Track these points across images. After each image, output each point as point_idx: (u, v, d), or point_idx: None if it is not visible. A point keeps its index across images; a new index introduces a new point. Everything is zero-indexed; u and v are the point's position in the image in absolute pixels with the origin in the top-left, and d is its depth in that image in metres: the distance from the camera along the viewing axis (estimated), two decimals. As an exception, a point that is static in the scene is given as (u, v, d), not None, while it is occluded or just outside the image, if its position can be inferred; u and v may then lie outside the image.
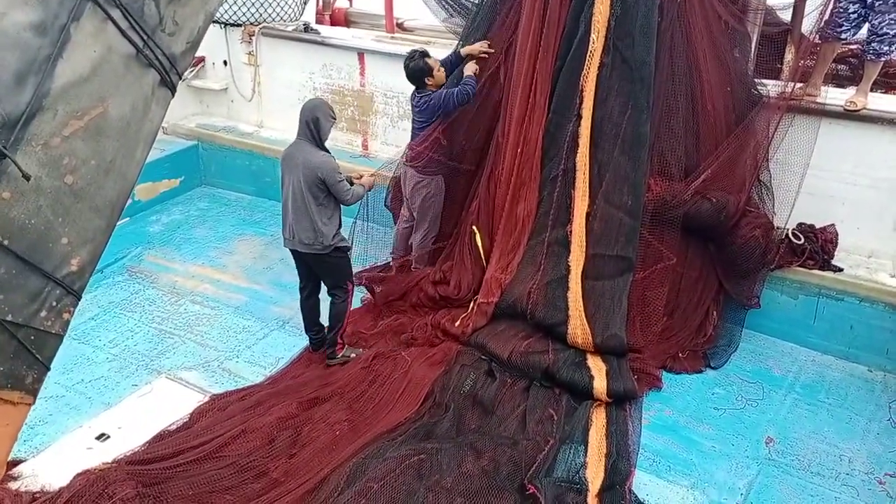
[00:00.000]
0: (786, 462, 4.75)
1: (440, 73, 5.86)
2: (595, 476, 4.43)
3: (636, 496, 4.38)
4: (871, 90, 5.82)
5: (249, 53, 8.33)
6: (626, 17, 5.38)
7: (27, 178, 2.01)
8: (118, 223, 2.37)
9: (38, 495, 4.13)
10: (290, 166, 5.12)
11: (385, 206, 6.60)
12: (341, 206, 5.24)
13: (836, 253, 5.77)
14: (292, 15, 8.40)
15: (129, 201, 2.48)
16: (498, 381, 5.17)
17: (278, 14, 8.26)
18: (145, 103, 2.31)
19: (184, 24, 2.37)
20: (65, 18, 2.05)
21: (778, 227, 5.79)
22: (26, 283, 2.11)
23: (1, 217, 2.01)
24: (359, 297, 6.26)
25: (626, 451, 4.65)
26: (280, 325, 6.05)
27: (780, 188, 5.81)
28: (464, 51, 6.06)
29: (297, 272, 5.51)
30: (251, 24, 8.22)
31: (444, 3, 7.06)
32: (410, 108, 6.13)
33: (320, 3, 9.08)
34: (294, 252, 5.34)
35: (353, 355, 5.48)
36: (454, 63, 6.06)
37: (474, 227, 6.06)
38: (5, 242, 2.03)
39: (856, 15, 5.55)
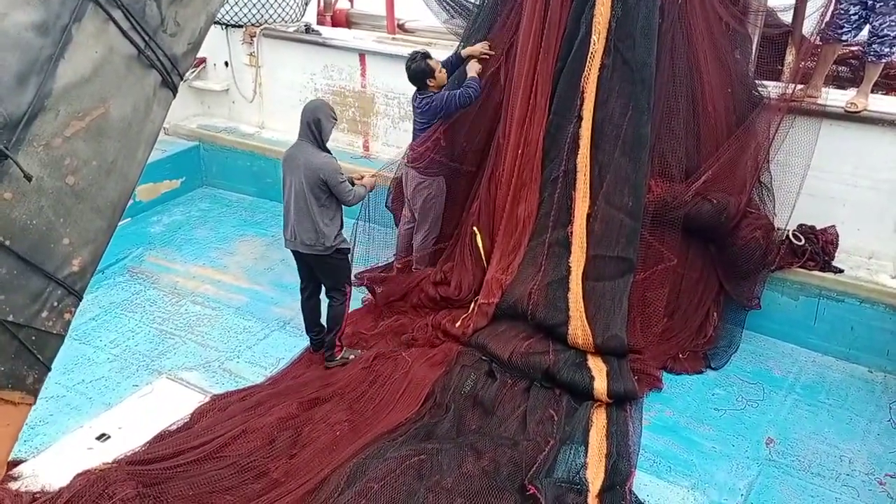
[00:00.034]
0: (786, 463, 4.75)
1: (442, 75, 5.87)
2: (595, 476, 4.43)
3: (636, 497, 4.38)
4: (872, 92, 5.82)
5: (251, 54, 8.34)
6: (626, 19, 5.38)
7: (29, 178, 2.01)
8: (119, 224, 2.38)
9: (38, 495, 4.13)
10: (292, 167, 5.13)
11: (386, 206, 6.60)
12: (343, 207, 5.25)
13: (836, 254, 5.77)
14: (293, 16, 8.41)
15: (131, 202, 2.49)
16: (498, 382, 5.18)
17: (279, 15, 8.26)
18: (147, 104, 2.32)
19: (185, 24, 2.38)
20: (66, 19, 2.05)
21: (778, 229, 5.79)
22: (28, 284, 2.11)
23: (2, 217, 2.01)
24: (360, 297, 6.27)
25: (627, 452, 4.65)
26: (281, 325, 6.06)
27: (780, 189, 5.81)
28: (464, 52, 6.06)
29: (298, 273, 5.51)
30: (252, 25, 8.22)
31: (445, 4, 7.06)
32: (412, 109, 6.13)
33: (321, 4, 9.08)
34: (295, 253, 5.34)
35: (351, 357, 5.48)
36: (455, 64, 6.06)
37: (475, 228, 6.06)
38: (7, 243, 2.03)
39: (856, 17, 5.55)
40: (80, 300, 2.29)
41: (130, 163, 2.31)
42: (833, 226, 5.82)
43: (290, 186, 5.15)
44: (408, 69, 5.84)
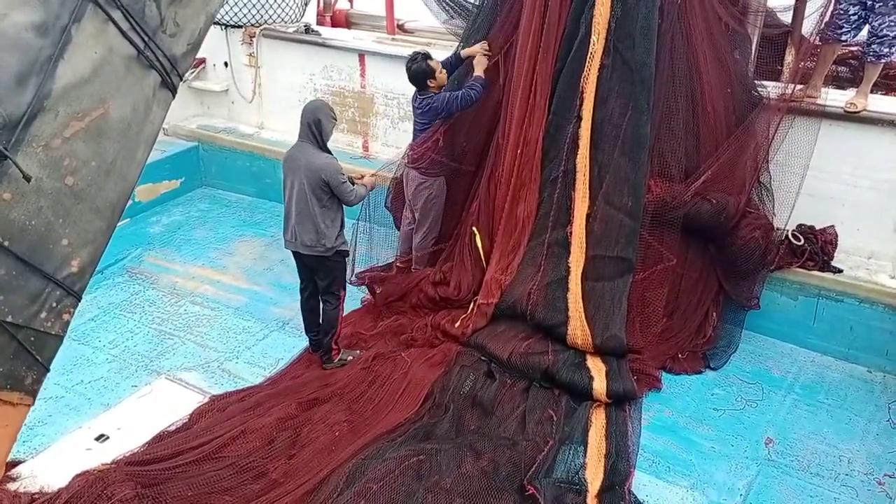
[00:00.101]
0: (785, 463, 4.76)
1: (442, 75, 5.86)
2: (594, 477, 4.43)
3: (635, 497, 4.38)
4: (872, 92, 5.82)
5: (250, 55, 8.34)
6: (626, 19, 5.38)
7: (28, 179, 2.01)
8: (118, 224, 2.38)
9: (37, 496, 4.13)
10: (293, 168, 5.12)
11: (385, 207, 6.60)
12: (343, 207, 5.24)
13: (835, 254, 5.78)
14: (293, 16, 8.41)
15: (130, 202, 2.49)
16: (497, 382, 5.18)
17: (279, 15, 8.26)
18: (146, 104, 2.32)
19: (185, 25, 2.37)
20: (66, 19, 2.05)
21: (778, 229, 5.80)
22: (26, 285, 2.11)
23: (1, 218, 2.01)
24: (359, 297, 6.27)
25: (626, 452, 4.65)
26: (280, 326, 6.06)
27: (780, 189, 5.81)
28: (464, 52, 6.06)
29: (297, 273, 5.51)
30: (252, 25, 8.22)
31: (444, 4, 7.06)
32: (411, 109, 6.12)
33: (321, 4, 9.08)
34: (295, 254, 5.34)
35: (349, 358, 5.48)
36: (454, 65, 6.06)
37: (474, 229, 6.06)
38: (6, 244, 2.03)
39: (856, 17, 5.56)
40: (79, 301, 2.29)
41: (130, 163, 2.31)
42: (832, 226, 5.83)
43: (291, 187, 5.14)
44: (408, 70, 5.84)
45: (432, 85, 5.84)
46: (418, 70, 5.79)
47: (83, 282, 2.28)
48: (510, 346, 5.38)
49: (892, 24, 5.45)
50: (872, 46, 5.60)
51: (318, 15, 9.04)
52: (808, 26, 5.99)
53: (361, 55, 7.74)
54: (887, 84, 6.48)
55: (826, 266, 5.70)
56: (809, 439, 4.95)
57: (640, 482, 4.54)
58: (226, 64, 8.59)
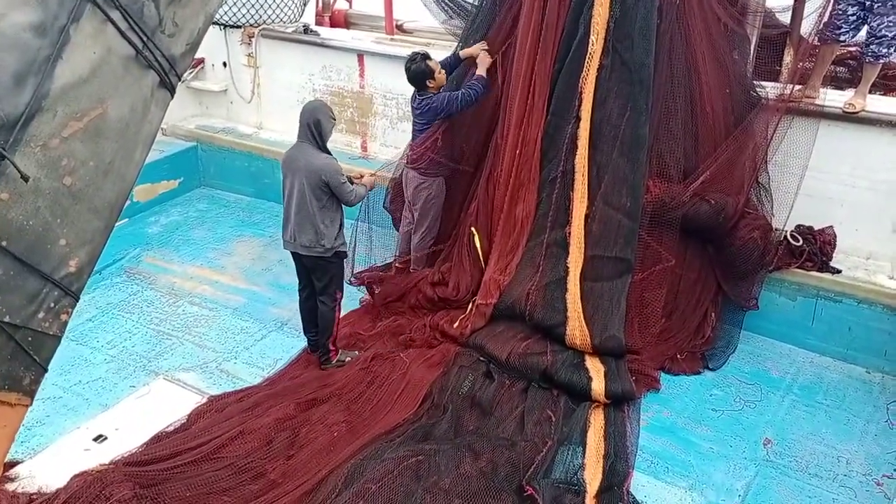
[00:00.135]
0: (784, 463, 4.76)
1: (441, 76, 5.86)
2: (593, 477, 4.43)
3: (634, 497, 4.38)
4: (870, 92, 5.83)
5: (249, 55, 8.33)
6: (625, 19, 5.38)
7: (26, 179, 2.01)
8: (116, 224, 2.37)
9: (35, 497, 4.13)
10: (293, 169, 5.11)
11: (384, 207, 6.60)
12: (343, 208, 5.24)
13: (834, 254, 5.78)
14: (292, 16, 8.40)
15: (128, 202, 2.48)
16: (496, 383, 5.18)
17: (278, 16, 8.26)
18: (144, 105, 2.31)
19: (183, 25, 2.37)
20: (64, 19, 2.05)
21: (776, 229, 5.80)
22: (24, 285, 2.11)
23: (-1, 218, 2.01)
24: (357, 298, 6.27)
25: (625, 453, 4.65)
26: (278, 326, 6.05)
27: (778, 190, 5.82)
28: (463, 53, 6.06)
29: (296, 274, 5.51)
30: (251, 25, 8.22)
31: (443, 4, 7.06)
32: (410, 110, 6.12)
33: (320, 4, 9.08)
34: (294, 254, 5.33)
35: (347, 359, 5.48)
36: (453, 65, 6.06)
37: (473, 229, 6.06)
38: (3, 243, 2.02)
39: (854, 17, 5.56)
40: (77, 301, 2.29)
41: (128, 163, 2.31)
42: (831, 226, 5.83)
43: (291, 188, 5.13)
44: (407, 70, 5.84)
45: (431, 85, 5.84)
46: (417, 70, 5.79)
47: (81, 282, 2.27)
48: (509, 346, 5.38)
49: (891, 24, 5.45)
50: (871, 47, 5.60)
51: (316, 15, 9.04)
52: (806, 27, 6.00)
53: (360, 55, 7.74)
54: (886, 84, 6.49)
55: (825, 266, 5.71)
56: (808, 440, 4.95)
57: (639, 483, 4.54)
58: (224, 64, 8.58)
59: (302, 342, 5.70)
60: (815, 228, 5.85)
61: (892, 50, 5.62)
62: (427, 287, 6.03)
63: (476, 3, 6.33)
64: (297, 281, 5.52)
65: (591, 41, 5.45)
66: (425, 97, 5.85)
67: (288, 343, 5.82)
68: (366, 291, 6.26)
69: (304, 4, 8.62)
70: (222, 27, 8.26)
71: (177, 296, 6.46)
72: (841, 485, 4.60)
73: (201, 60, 8.72)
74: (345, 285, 5.54)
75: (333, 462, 4.44)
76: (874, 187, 5.70)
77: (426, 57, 5.83)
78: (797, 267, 5.74)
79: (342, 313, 5.58)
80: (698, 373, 5.54)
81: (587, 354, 5.32)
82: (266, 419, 4.72)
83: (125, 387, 5.31)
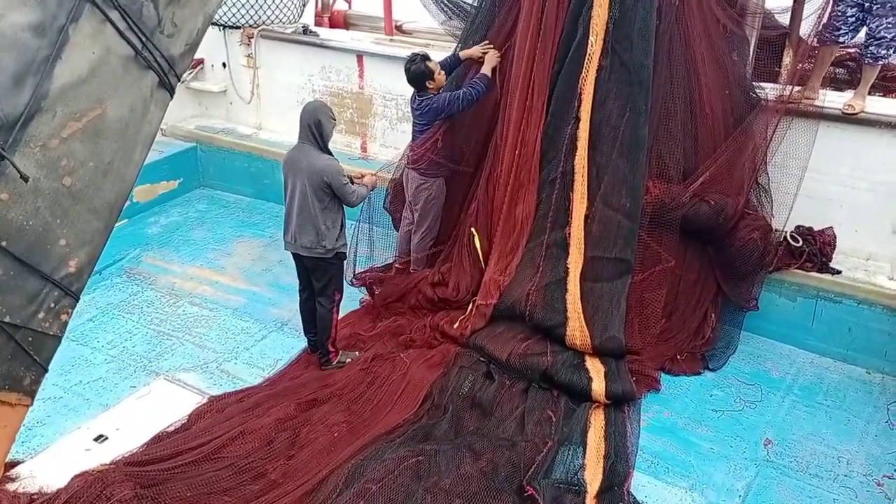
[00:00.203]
0: (784, 464, 4.76)
1: (441, 77, 5.86)
2: (593, 477, 4.43)
3: (634, 498, 4.38)
4: (869, 93, 5.83)
5: (248, 55, 8.34)
6: (624, 21, 5.38)
7: (25, 179, 2.01)
8: (116, 225, 2.38)
9: (35, 497, 4.13)
10: (294, 170, 5.11)
11: (384, 208, 6.60)
12: (344, 209, 5.23)
13: (834, 255, 5.78)
14: (291, 17, 8.41)
15: (128, 203, 2.48)
16: (496, 383, 5.18)
17: (277, 16, 8.26)
18: (144, 105, 2.31)
19: (183, 25, 2.37)
20: (63, 20, 2.05)
21: (776, 230, 5.80)
22: (24, 285, 2.11)
23: (-1, 218, 2.01)
24: (357, 298, 6.27)
25: (625, 453, 4.65)
26: (278, 326, 6.05)
27: (778, 191, 5.82)
28: (463, 54, 6.06)
29: (296, 274, 5.50)
30: (250, 26, 8.22)
31: (442, 5, 7.07)
32: (410, 110, 6.13)
33: (319, 5, 9.08)
34: (295, 255, 5.33)
35: (348, 360, 5.47)
36: (452, 66, 6.06)
37: (473, 230, 6.06)
38: (3, 244, 2.03)
39: (854, 18, 5.56)
40: (77, 301, 2.29)
41: (127, 164, 2.31)
42: (831, 227, 5.83)
43: (293, 189, 5.13)
44: (407, 71, 5.84)
45: (431, 86, 5.84)
46: (417, 71, 5.79)
47: (81, 282, 2.28)
48: (509, 346, 5.38)
49: (890, 25, 5.45)
50: (870, 48, 5.60)
51: (316, 16, 9.04)
52: (805, 28, 6.00)
53: (360, 56, 7.75)
54: (885, 86, 6.48)
55: (824, 267, 5.71)
56: (808, 440, 4.95)
57: (639, 483, 4.54)
58: (224, 64, 8.59)
59: (302, 342, 5.70)
60: (815, 229, 5.84)
61: (891, 51, 5.62)
62: (427, 287, 6.03)
63: (475, 4, 6.33)
64: (298, 281, 5.52)
65: (590, 42, 5.46)
66: (425, 98, 5.85)
67: (288, 343, 5.82)
68: (366, 292, 6.26)
69: (304, 5, 8.62)
70: (221, 28, 8.26)
71: (177, 296, 6.46)
72: (841, 485, 4.59)
73: (201, 61, 8.72)
74: (344, 286, 5.54)
75: (334, 462, 4.44)
76: (873, 188, 5.70)
77: (426, 58, 5.84)
78: (797, 268, 5.74)
79: (342, 314, 5.59)
80: (698, 373, 5.54)
81: (587, 355, 5.32)
82: (266, 419, 4.72)
83: (126, 387, 5.31)
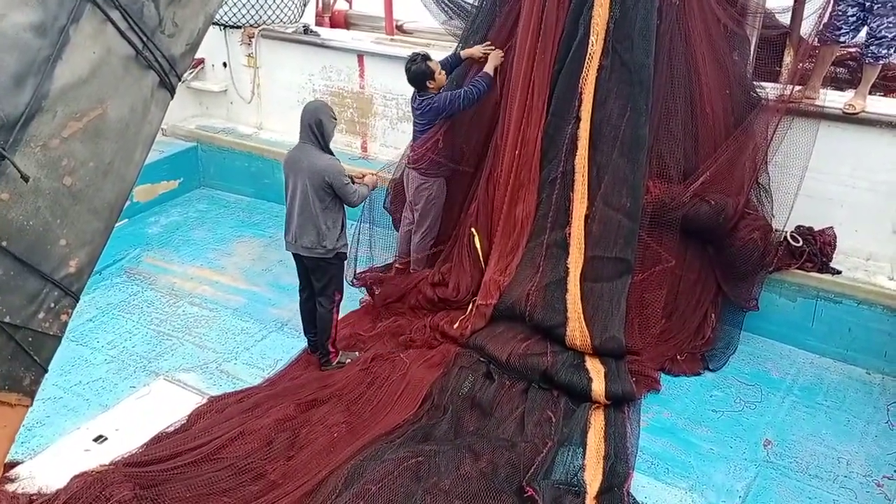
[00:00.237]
0: (784, 464, 4.75)
1: (441, 76, 5.86)
2: (593, 478, 4.43)
3: (634, 498, 4.38)
4: (870, 93, 5.83)
5: (249, 55, 8.34)
6: (624, 20, 5.38)
7: (26, 179, 2.00)
8: (117, 225, 2.37)
9: (35, 497, 4.13)
10: (295, 170, 5.10)
11: (384, 207, 6.60)
12: (345, 209, 5.23)
13: (834, 255, 5.78)
14: (292, 17, 8.41)
15: (128, 203, 2.48)
16: (496, 383, 5.17)
17: (278, 16, 8.26)
18: (144, 105, 2.31)
19: (183, 25, 2.37)
20: (64, 20, 2.05)
21: (776, 230, 5.80)
22: (24, 285, 2.11)
23: (-1, 218, 2.01)
24: (357, 298, 6.27)
25: (625, 454, 4.65)
26: (278, 326, 6.05)
27: (778, 190, 5.82)
28: (464, 53, 6.06)
29: (297, 274, 5.50)
30: (251, 25, 8.22)
31: (443, 5, 7.07)
32: (411, 110, 6.12)
33: (320, 5, 9.08)
34: (295, 255, 5.33)
35: (348, 360, 5.47)
36: (453, 65, 6.06)
37: (473, 230, 6.06)
38: (3, 244, 2.02)
39: (854, 18, 5.56)
40: (77, 301, 2.28)
41: (128, 164, 2.31)
42: (831, 227, 5.83)
43: (294, 189, 5.12)
44: (408, 71, 5.84)
45: (432, 86, 5.84)
46: (418, 71, 5.79)
47: (81, 282, 2.27)
48: (509, 347, 5.38)
49: (891, 25, 5.45)
50: (871, 48, 5.60)
51: (316, 15, 9.04)
52: (806, 27, 6.00)
53: (360, 56, 7.74)
54: (886, 85, 6.49)
55: (825, 267, 5.71)
56: (808, 441, 4.95)
57: (639, 484, 4.54)
58: (224, 64, 8.59)
59: (302, 343, 5.70)
60: (815, 229, 5.84)
61: (891, 51, 5.62)
62: (427, 288, 6.03)
63: (476, 4, 6.33)
64: (298, 282, 5.52)
65: (590, 42, 5.46)
66: (426, 98, 5.85)
67: (288, 344, 5.82)
68: (366, 292, 6.25)
69: (304, 5, 8.62)
70: (222, 27, 8.26)
71: (177, 296, 6.46)
72: (841, 486, 4.59)
73: (201, 61, 8.72)
74: (345, 286, 5.53)
75: (333, 463, 4.44)
76: (874, 188, 5.70)
77: (426, 58, 5.83)
78: (797, 268, 5.74)
79: (342, 314, 5.58)
80: (698, 374, 5.54)
81: (587, 355, 5.32)
82: (266, 420, 4.72)
83: (125, 387, 5.31)
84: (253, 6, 8.10)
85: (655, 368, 5.48)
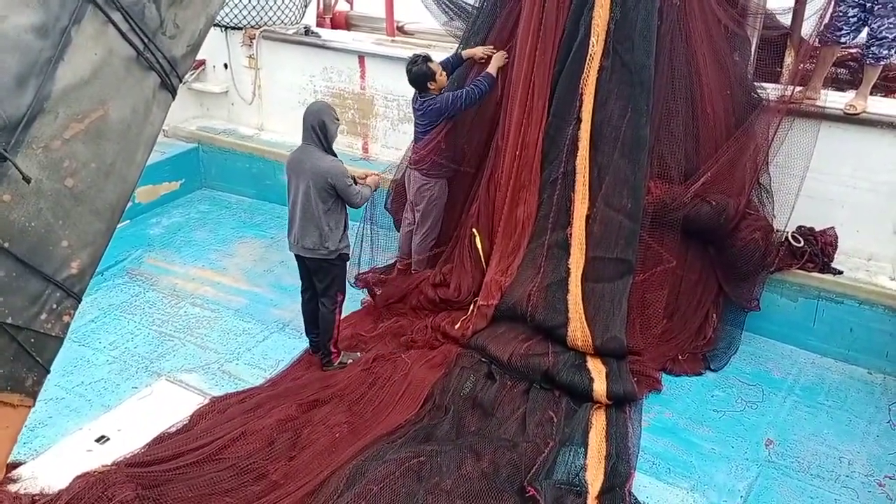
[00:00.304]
0: (785, 464, 4.75)
1: (442, 78, 5.86)
2: (595, 478, 4.43)
3: (636, 498, 4.38)
4: (871, 94, 5.83)
5: (250, 56, 8.34)
6: (625, 21, 5.38)
7: (28, 180, 2.01)
8: (118, 226, 2.38)
9: (37, 498, 4.13)
10: (298, 171, 5.10)
11: (385, 208, 6.61)
12: (347, 211, 5.23)
13: (835, 256, 5.77)
14: (293, 18, 8.42)
15: (130, 204, 2.49)
16: (498, 384, 5.18)
17: (279, 17, 8.27)
18: (146, 106, 2.32)
19: (185, 26, 2.38)
20: (66, 21, 2.05)
21: (778, 230, 5.79)
22: (27, 286, 2.11)
23: (1, 220, 2.01)
24: (359, 299, 6.27)
25: (626, 454, 4.65)
26: (280, 327, 6.06)
27: (779, 191, 5.81)
28: (465, 53, 6.06)
29: (298, 275, 5.50)
30: (252, 27, 8.23)
31: (444, 6, 7.07)
32: (412, 111, 6.13)
33: (321, 6, 9.08)
34: (298, 256, 5.33)
35: (349, 361, 5.47)
36: (454, 65, 6.06)
37: (474, 230, 6.07)
38: (6, 245, 2.03)
39: (855, 19, 5.56)
40: (79, 302, 2.29)
41: (129, 165, 2.31)
42: (832, 227, 5.83)
43: (296, 190, 5.12)
44: (409, 72, 5.84)
45: (433, 87, 5.84)
46: (419, 72, 5.79)
47: (83, 283, 2.28)
48: (510, 347, 5.38)
49: (891, 26, 5.45)
50: (871, 48, 5.60)
51: (317, 17, 9.05)
52: (807, 28, 6.00)
53: (361, 57, 7.75)
54: (886, 86, 6.48)
55: (826, 268, 5.70)
56: (810, 441, 4.94)
57: (641, 484, 4.54)
58: (226, 65, 8.59)
59: (303, 343, 5.70)
60: (817, 230, 5.84)
61: (892, 52, 5.62)
62: (428, 288, 6.03)
63: (476, 5, 6.34)
64: (300, 282, 5.52)
65: (591, 43, 5.46)
66: (427, 99, 5.86)
67: (290, 344, 5.82)
68: (367, 293, 6.26)
69: (305, 6, 8.63)
70: (223, 29, 8.27)
71: (179, 297, 6.46)
72: (843, 486, 4.59)
73: (202, 62, 8.73)
74: (347, 287, 5.54)
75: (335, 463, 4.44)
76: (875, 189, 5.70)
77: (427, 59, 5.84)
78: (798, 268, 5.74)
79: (343, 315, 5.59)
80: (700, 374, 5.54)
81: (589, 355, 5.32)
82: (268, 420, 4.73)
83: (127, 388, 5.31)
84: (254, 7, 8.11)
85: (657, 368, 5.48)
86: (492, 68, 5.85)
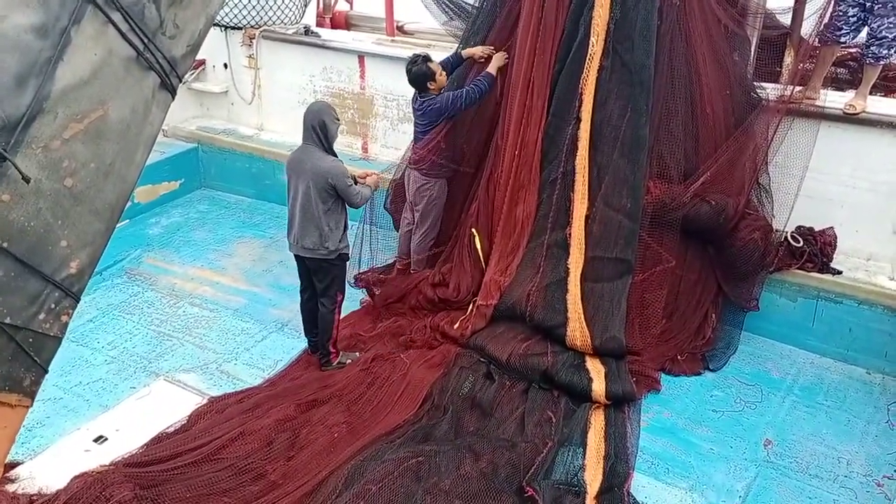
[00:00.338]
0: (784, 464, 4.76)
1: (442, 77, 5.86)
2: (593, 478, 4.43)
3: (634, 498, 4.38)
4: (871, 93, 5.83)
5: (250, 56, 8.34)
6: (625, 21, 5.38)
7: (27, 180, 2.01)
8: (117, 225, 2.38)
9: (35, 498, 4.13)
10: (298, 171, 5.10)
11: (385, 208, 6.61)
12: (347, 211, 5.23)
13: (834, 256, 5.78)
14: (292, 18, 8.41)
15: (129, 203, 2.49)
16: (497, 384, 5.18)
17: (279, 17, 8.27)
18: (145, 106, 2.31)
19: (184, 27, 2.37)
20: (65, 21, 2.05)
21: (777, 230, 5.80)
22: (25, 286, 2.11)
23: (0, 219, 2.01)
24: (358, 299, 6.27)
25: (625, 454, 4.65)
26: (279, 327, 6.05)
27: (779, 191, 5.82)
28: (465, 53, 6.06)
29: (297, 275, 5.50)
30: (252, 27, 8.22)
31: (444, 6, 7.07)
32: (412, 111, 6.13)
33: (321, 5, 9.08)
34: (297, 256, 5.33)
35: (348, 361, 5.47)
36: (454, 65, 6.06)
37: (473, 230, 6.07)
38: (4, 245, 2.03)
39: (855, 18, 5.56)
40: (78, 302, 2.29)
41: (129, 165, 2.31)
42: (831, 227, 5.83)
43: (296, 190, 5.11)
44: (409, 72, 5.84)
45: (432, 87, 5.84)
46: (419, 72, 5.79)
47: (82, 283, 2.28)
48: (509, 347, 5.39)
49: (891, 25, 5.46)
50: (871, 48, 5.61)
51: (317, 16, 9.05)
52: (807, 28, 6.00)
53: (361, 57, 7.75)
54: (886, 86, 6.48)
55: (825, 268, 5.71)
56: (808, 441, 4.95)
57: (639, 484, 4.54)
58: (225, 65, 8.59)
59: (302, 343, 5.70)
60: (816, 229, 5.84)
61: (892, 51, 5.62)
62: (427, 288, 6.03)
63: (476, 5, 6.34)
64: (299, 282, 5.52)
65: (591, 42, 5.46)
66: (427, 98, 5.86)
67: (288, 344, 5.82)
68: (366, 293, 6.25)
69: (305, 6, 8.63)
70: (223, 29, 8.27)
71: (177, 297, 6.46)
72: (841, 486, 4.60)
73: (202, 62, 8.73)
74: (346, 287, 5.53)
75: (334, 463, 4.44)
76: (874, 189, 5.70)
77: (427, 59, 5.84)
78: (798, 268, 5.74)
79: (343, 315, 5.59)
80: (699, 374, 5.54)
81: (588, 355, 5.32)
82: (266, 420, 4.73)
83: (125, 388, 5.31)
84: (254, 7, 8.11)
85: (656, 368, 5.48)
86: (491, 68, 5.85)
